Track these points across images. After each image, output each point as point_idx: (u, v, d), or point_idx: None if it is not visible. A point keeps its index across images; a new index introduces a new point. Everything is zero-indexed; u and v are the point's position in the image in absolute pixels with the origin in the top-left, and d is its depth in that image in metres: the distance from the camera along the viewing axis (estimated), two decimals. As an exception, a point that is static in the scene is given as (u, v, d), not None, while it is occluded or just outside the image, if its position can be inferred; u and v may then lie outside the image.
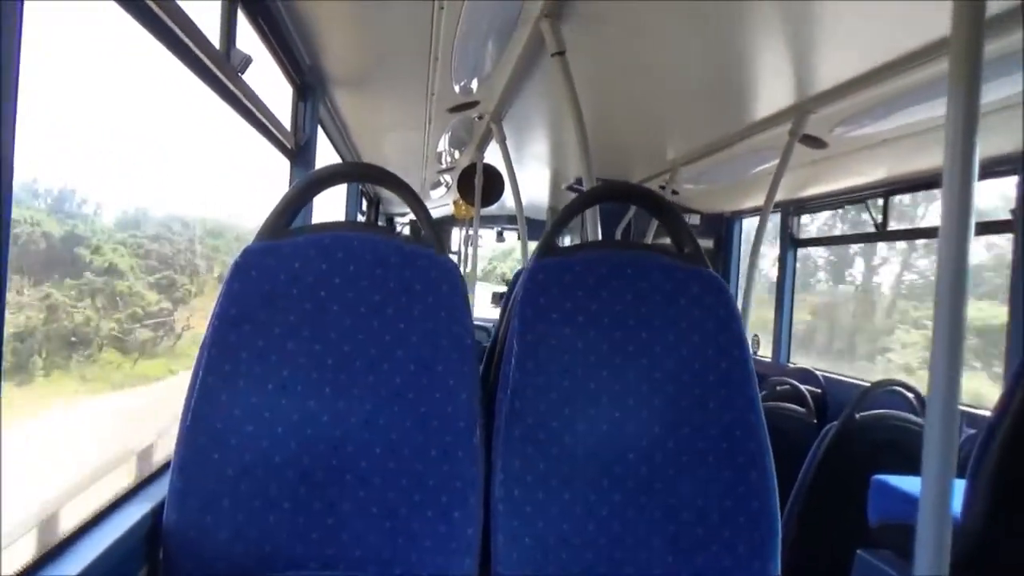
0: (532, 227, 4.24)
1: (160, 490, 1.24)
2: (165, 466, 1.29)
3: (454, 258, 7.37)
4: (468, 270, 4.91)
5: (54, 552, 0.99)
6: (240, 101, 1.81)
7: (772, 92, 2.59)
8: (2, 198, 0.66)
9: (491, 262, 10.20)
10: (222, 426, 1.21)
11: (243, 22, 1.79)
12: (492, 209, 5.04)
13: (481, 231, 5.31)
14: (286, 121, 2.45)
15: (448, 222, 7.18)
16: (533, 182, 5.05)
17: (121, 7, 1.18)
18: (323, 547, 1.22)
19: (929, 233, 3.26)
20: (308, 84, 2.57)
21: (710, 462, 1.30)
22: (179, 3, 1.28)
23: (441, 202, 6.42)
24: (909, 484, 1.80)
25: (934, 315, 0.89)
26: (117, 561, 1.05)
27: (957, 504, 1.57)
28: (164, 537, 1.18)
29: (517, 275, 2.18)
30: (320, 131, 2.82)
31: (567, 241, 5.35)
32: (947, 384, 0.88)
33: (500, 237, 7.65)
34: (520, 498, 1.27)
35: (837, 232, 4.27)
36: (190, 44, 1.39)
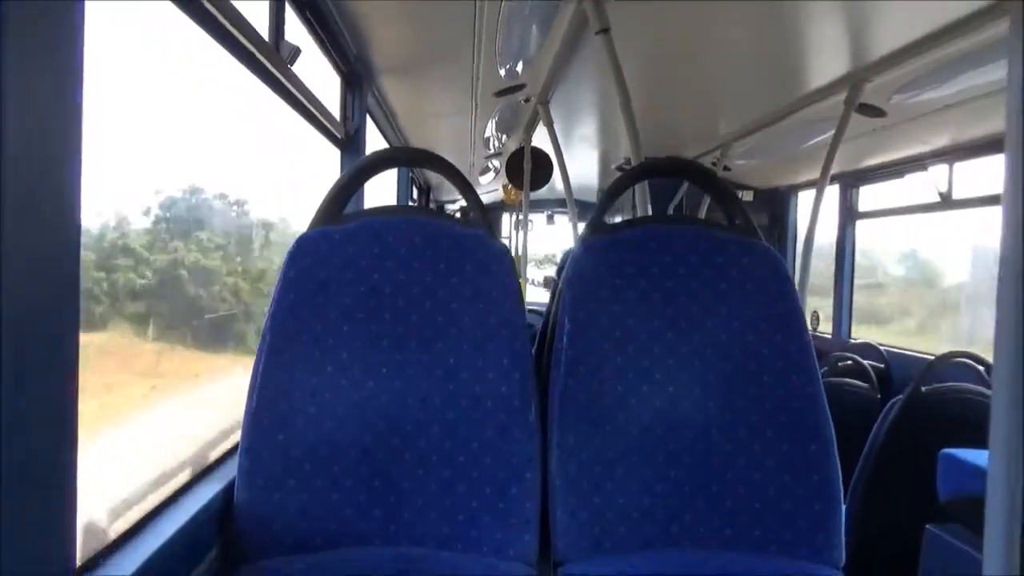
0: (582, 209, 4.22)
1: (231, 470, 1.29)
2: (234, 447, 1.34)
3: (505, 243, 7.40)
4: (519, 255, 4.92)
5: (137, 527, 1.04)
6: (290, 92, 1.85)
7: (825, 61, 2.51)
8: (73, 204, 0.68)
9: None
10: (285, 408, 1.25)
11: (290, 14, 1.83)
12: (541, 193, 5.02)
13: (531, 215, 5.31)
14: (335, 111, 2.49)
15: (497, 208, 7.20)
16: (582, 164, 5.01)
17: (177, 6, 1.21)
18: (386, 524, 1.26)
19: (998, 201, 3.11)
20: (355, 73, 2.60)
21: (768, 436, 1.29)
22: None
23: (489, 187, 6.43)
24: (979, 458, 1.74)
25: (998, 282, 0.86)
26: (194, 537, 1.10)
27: None
28: (235, 515, 1.23)
29: (567, 255, 2.18)
30: (369, 120, 2.85)
31: (619, 220, 5.30)
32: (1014, 352, 0.85)
33: (551, 220, 7.63)
34: (576, 474, 1.28)
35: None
36: (241, 38, 1.42)
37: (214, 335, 2.08)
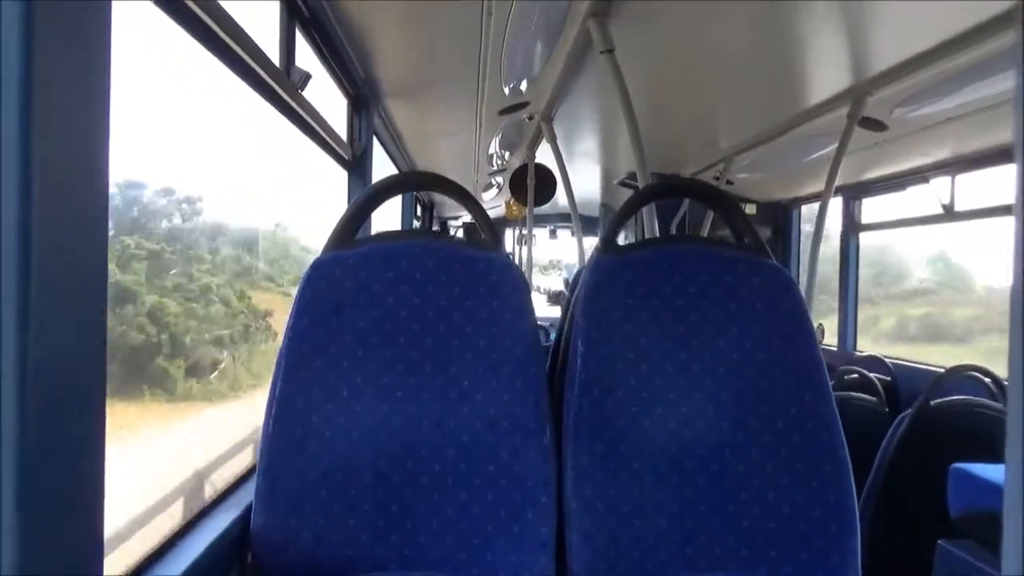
0: (585, 224, 4.24)
1: (248, 495, 1.29)
2: (252, 471, 1.35)
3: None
4: (523, 270, 4.93)
5: (158, 554, 1.05)
6: (300, 117, 1.87)
7: (827, 76, 2.53)
8: (100, 208, 0.69)
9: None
10: (301, 432, 1.26)
11: (299, 39, 1.85)
12: (543, 208, 5.05)
13: (534, 230, 5.33)
14: (342, 133, 2.51)
15: (500, 223, 7.23)
16: (584, 179, 5.03)
17: (192, 37, 1.23)
18: (402, 548, 1.26)
19: (1001, 211, 3.13)
20: (362, 96, 2.62)
21: (781, 455, 1.29)
22: (244, 27, 1.34)
23: (492, 204, 6.46)
24: (991, 472, 1.74)
25: (1011, 294, 0.87)
26: (212, 562, 1.11)
27: None
28: (252, 540, 1.23)
29: (578, 274, 2.19)
30: (375, 141, 2.87)
31: (623, 237, 5.33)
32: None
33: (553, 235, 7.66)
34: (592, 496, 1.28)
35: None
36: (254, 66, 1.45)
37: (122, 375, 1.70)
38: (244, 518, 1.25)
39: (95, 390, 0.69)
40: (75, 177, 0.64)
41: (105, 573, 0.73)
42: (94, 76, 0.67)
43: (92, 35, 0.67)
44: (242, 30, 1.34)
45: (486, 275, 1.35)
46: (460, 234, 7.05)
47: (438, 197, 6.45)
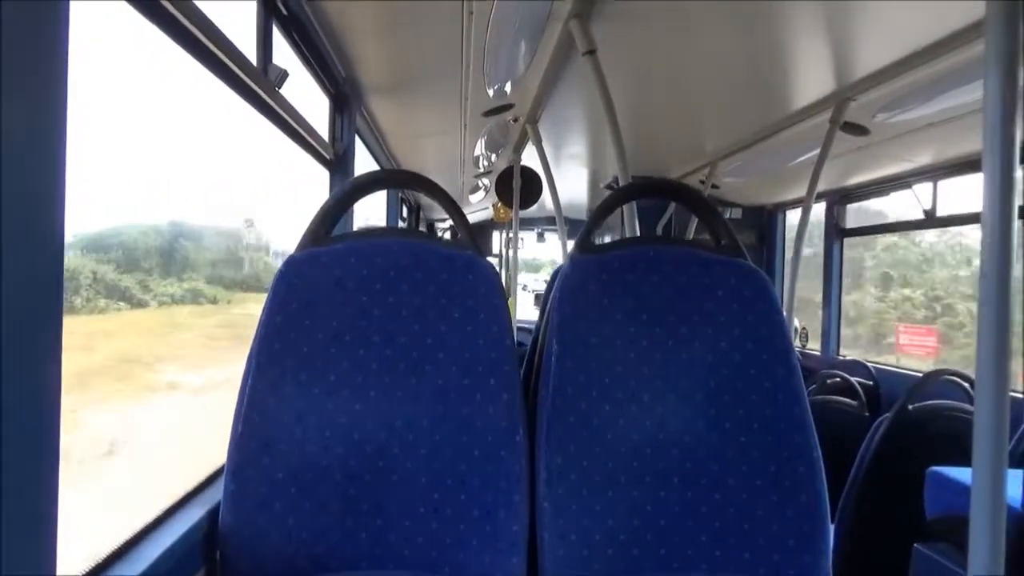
0: (572, 227, 4.24)
1: (216, 493, 1.28)
2: (220, 469, 1.33)
3: (495, 261, 7.44)
4: (509, 272, 4.93)
5: (121, 551, 1.03)
6: (278, 115, 1.86)
7: (811, 81, 2.54)
8: (57, 210, 0.68)
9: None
10: (271, 431, 1.24)
11: (277, 37, 1.84)
12: (531, 211, 5.05)
13: (521, 233, 5.33)
14: (323, 132, 2.50)
15: (488, 226, 7.23)
16: (571, 182, 5.04)
17: (165, 34, 1.22)
18: (372, 547, 1.25)
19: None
20: (344, 94, 2.61)
21: (754, 456, 1.29)
22: (217, 23, 1.32)
23: (480, 206, 6.46)
24: (966, 476, 1.75)
25: (978, 300, 0.87)
26: (177, 561, 1.09)
27: (1017, 494, 1.52)
28: (220, 538, 1.22)
29: (555, 274, 2.18)
30: (358, 141, 2.86)
31: (609, 240, 5.33)
32: (996, 371, 0.86)
33: (541, 238, 7.66)
34: (564, 496, 1.27)
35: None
36: (229, 63, 1.43)
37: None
38: (212, 516, 1.23)
39: (50, 388, 0.68)
40: (32, 178, 0.63)
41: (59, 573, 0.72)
42: (51, 76, 0.66)
43: (49, 35, 0.65)
44: (216, 27, 1.33)
45: (461, 274, 1.34)
46: (447, 236, 7.05)
47: (425, 199, 6.44)
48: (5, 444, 0.61)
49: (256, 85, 1.62)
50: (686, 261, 1.38)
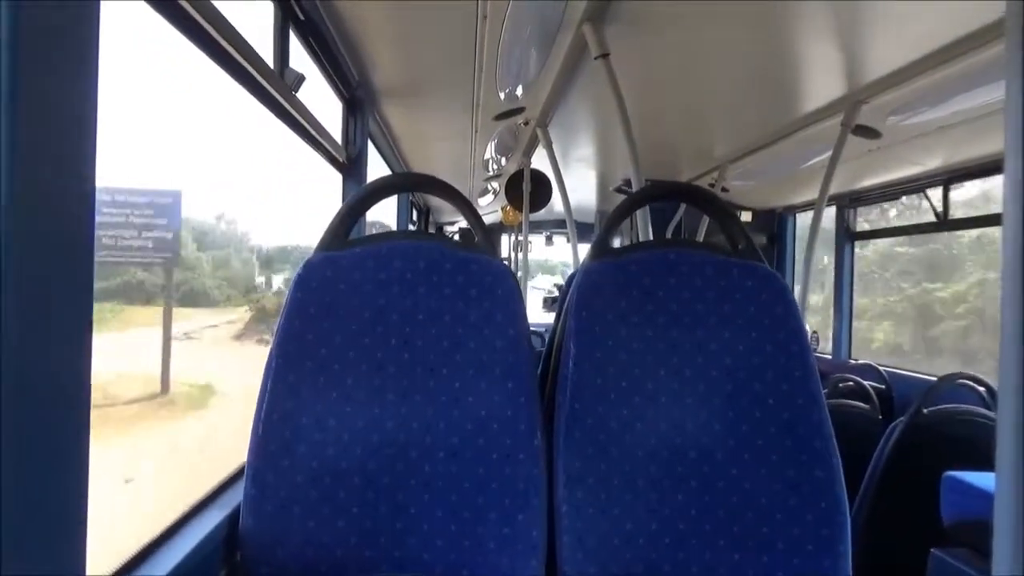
0: (581, 230, 4.25)
1: (236, 496, 1.28)
2: (240, 472, 1.34)
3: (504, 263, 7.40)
4: (519, 275, 4.94)
5: (143, 555, 1.03)
6: (294, 118, 1.87)
7: (822, 84, 2.54)
8: (87, 211, 0.68)
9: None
10: (290, 435, 1.25)
11: (293, 41, 1.85)
12: (540, 214, 5.06)
13: (530, 236, 5.33)
14: (337, 135, 2.51)
15: (496, 229, 7.23)
16: (580, 185, 5.04)
17: (188, 40, 1.23)
18: (392, 551, 1.25)
19: (994, 221, 3.14)
20: (357, 99, 2.62)
21: (773, 460, 1.28)
22: (238, 29, 1.33)
23: (489, 209, 6.46)
24: (983, 480, 1.74)
25: (1001, 303, 0.87)
26: (199, 563, 1.09)
27: None
28: (241, 542, 1.22)
29: (571, 278, 2.19)
30: (370, 144, 2.87)
31: (618, 243, 5.33)
32: (1019, 373, 0.85)
33: (549, 241, 7.66)
34: (583, 499, 1.27)
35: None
36: (248, 67, 1.44)
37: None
38: (232, 519, 1.24)
39: (81, 393, 0.68)
40: (62, 179, 0.64)
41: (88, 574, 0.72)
42: (82, 76, 0.67)
43: (80, 35, 0.66)
44: (236, 31, 1.34)
45: (478, 277, 1.34)
46: (457, 239, 7.06)
47: (435, 202, 6.45)
48: (36, 444, 0.62)
49: (273, 88, 1.63)
50: (703, 264, 1.38)
